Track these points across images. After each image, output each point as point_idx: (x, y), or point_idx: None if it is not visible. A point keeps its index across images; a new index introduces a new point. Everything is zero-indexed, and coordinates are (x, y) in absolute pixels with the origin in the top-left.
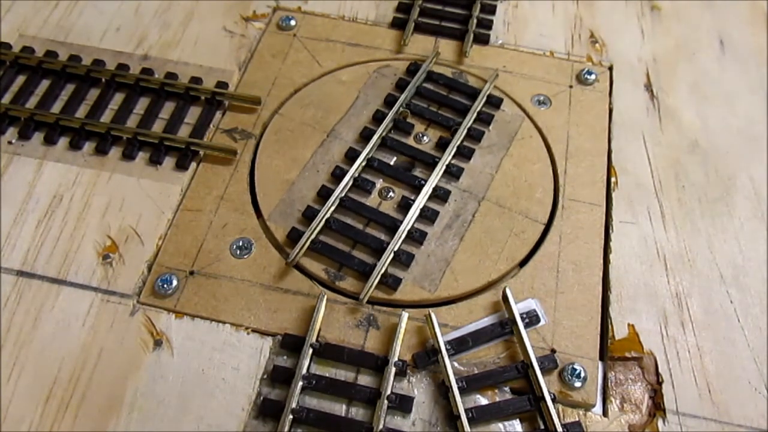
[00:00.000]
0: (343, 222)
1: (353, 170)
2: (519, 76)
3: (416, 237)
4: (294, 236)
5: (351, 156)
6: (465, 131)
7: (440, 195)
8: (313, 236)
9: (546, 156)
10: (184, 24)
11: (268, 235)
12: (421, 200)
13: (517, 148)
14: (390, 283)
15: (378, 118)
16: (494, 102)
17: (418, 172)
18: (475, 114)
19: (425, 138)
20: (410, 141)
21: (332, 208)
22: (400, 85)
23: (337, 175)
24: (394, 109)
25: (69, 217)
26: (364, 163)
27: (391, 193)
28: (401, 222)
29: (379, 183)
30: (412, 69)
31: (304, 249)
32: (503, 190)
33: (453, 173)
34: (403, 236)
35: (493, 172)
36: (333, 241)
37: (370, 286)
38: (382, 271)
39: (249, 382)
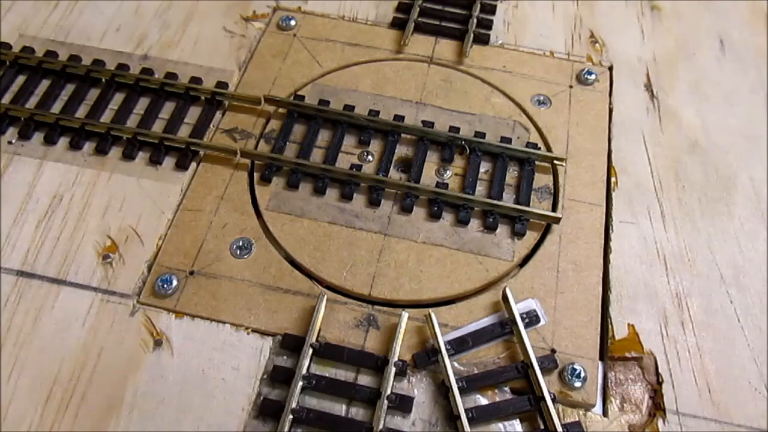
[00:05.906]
0: (316, 131)
1: (371, 122)
2: (519, 76)
3: (319, 186)
4: (272, 100)
5: (395, 119)
6: (469, 206)
7: (373, 198)
8: (282, 118)
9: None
10: (184, 24)
11: (267, 233)
12: (359, 181)
13: (479, 259)
14: (265, 175)
15: (450, 129)
16: (535, 228)
17: (395, 174)
18: (501, 210)
19: (446, 174)
20: (434, 162)
21: (323, 118)
22: (502, 139)
23: (367, 116)
24: (459, 137)
25: (69, 217)
26: (388, 129)
27: (369, 158)
28: (330, 165)
29: (374, 148)
30: (528, 145)
31: (274, 112)
32: (409, 256)
33: (404, 205)
34: (316, 173)
35: (430, 244)
36: (295, 132)
37: (257, 152)
38: (270, 163)
39: (249, 382)
